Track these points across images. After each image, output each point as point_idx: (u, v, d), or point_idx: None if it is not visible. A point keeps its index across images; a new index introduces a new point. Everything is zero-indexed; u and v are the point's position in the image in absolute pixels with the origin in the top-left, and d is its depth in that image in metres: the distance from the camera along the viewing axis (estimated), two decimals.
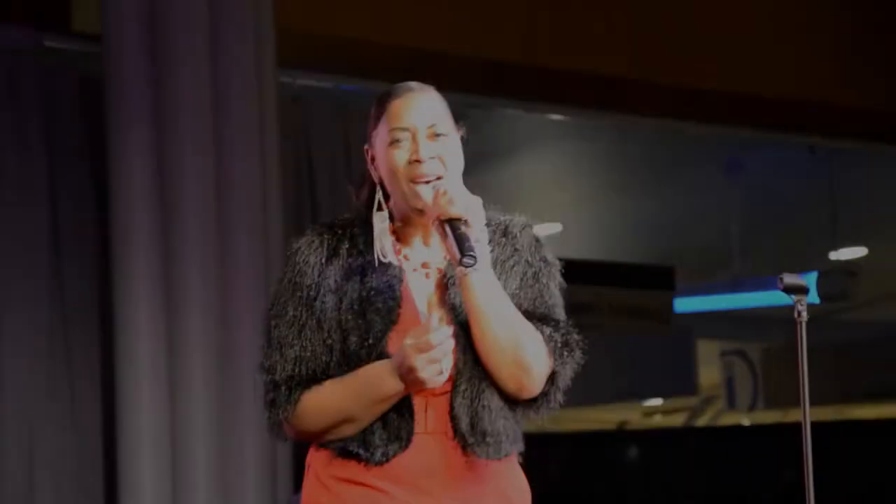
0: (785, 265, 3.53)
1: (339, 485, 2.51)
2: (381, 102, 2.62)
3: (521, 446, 2.69)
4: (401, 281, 2.55)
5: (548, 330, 2.61)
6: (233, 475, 5.46)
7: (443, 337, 2.43)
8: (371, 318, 2.50)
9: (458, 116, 7.97)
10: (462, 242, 2.47)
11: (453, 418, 2.53)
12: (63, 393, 5.68)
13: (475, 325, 2.52)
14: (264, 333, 2.56)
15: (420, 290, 2.59)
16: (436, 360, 2.43)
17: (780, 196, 9.59)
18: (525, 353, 2.55)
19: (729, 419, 14.19)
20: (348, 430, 2.51)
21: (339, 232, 2.60)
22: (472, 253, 2.46)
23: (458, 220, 2.49)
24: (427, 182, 2.56)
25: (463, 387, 2.53)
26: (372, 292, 2.52)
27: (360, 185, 2.71)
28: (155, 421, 5.41)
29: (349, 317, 2.52)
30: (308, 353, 2.52)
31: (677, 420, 15.52)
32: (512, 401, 2.60)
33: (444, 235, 2.52)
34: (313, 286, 2.53)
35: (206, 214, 5.52)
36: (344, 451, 2.51)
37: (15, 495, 5.50)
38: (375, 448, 2.49)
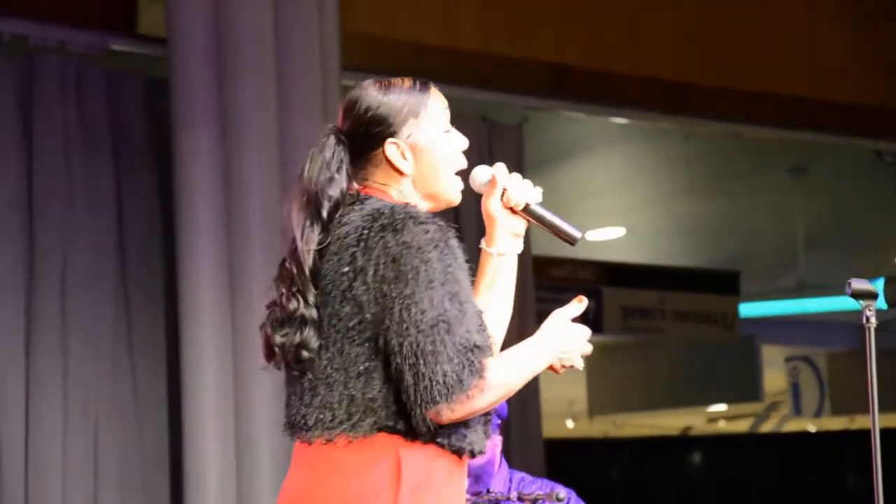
0: (851, 270, 3.48)
1: (451, 479, 2.52)
2: (414, 96, 2.62)
3: None
4: None
5: None
6: None
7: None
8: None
9: (520, 119, 7.86)
10: (564, 224, 2.62)
11: None
12: (127, 387, 5.73)
13: (507, 304, 2.66)
14: (450, 303, 2.41)
15: None
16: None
17: (846, 200, 9.50)
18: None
19: (794, 426, 14.07)
20: (498, 403, 2.50)
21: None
22: (579, 232, 2.61)
23: (535, 203, 2.63)
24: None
25: None
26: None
27: (333, 171, 2.61)
28: (220, 414, 5.45)
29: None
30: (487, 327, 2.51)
31: (741, 426, 15.41)
32: None
33: (521, 217, 2.64)
34: (463, 267, 2.51)
35: (269, 216, 5.55)
36: (454, 446, 2.49)
37: (80, 486, 5.55)
38: (479, 439, 2.53)
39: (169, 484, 5.74)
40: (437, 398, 2.39)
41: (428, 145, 2.60)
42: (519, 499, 3.85)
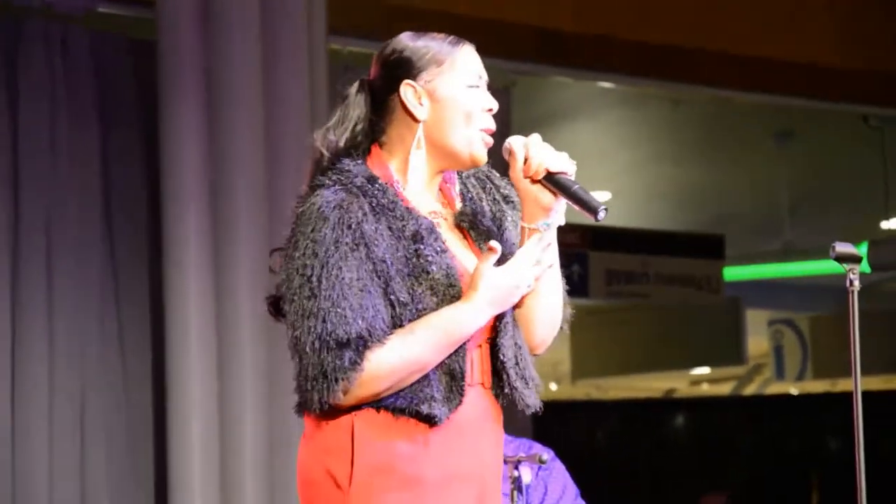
0: (836, 234, 3.50)
1: (404, 445, 2.42)
2: (444, 45, 2.57)
3: None
4: (438, 231, 2.51)
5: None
6: (280, 447, 5.49)
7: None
8: (434, 274, 2.44)
9: (507, 84, 7.86)
10: (588, 196, 2.49)
11: (502, 368, 2.52)
12: (114, 368, 5.71)
13: (543, 281, 2.56)
14: (306, 298, 2.37)
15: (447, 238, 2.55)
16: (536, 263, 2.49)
17: (832, 165, 9.52)
18: (559, 316, 2.63)
19: (777, 389, 14.15)
20: (415, 378, 2.41)
21: (353, 185, 2.47)
22: (605, 207, 2.47)
23: (562, 173, 2.51)
24: (488, 133, 2.57)
25: (509, 333, 2.54)
26: (422, 247, 2.45)
27: (344, 125, 2.58)
28: (204, 392, 5.45)
29: (406, 273, 2.43)
30: (374, 314, 2.38)
31: (724, 389, 15.49)
32: None
33: (545, 187, 2.52)
34: (368, 244, 2.40)
35: (256, 180, 5.54)
36: (404, 410, 2.41)
37: (66, 468, 5.55)
38: (440, 404, 2.42)
39: (153, 461, 5.74)
40: (311, 392, 2.38)
41: (446, 93, 2.53)
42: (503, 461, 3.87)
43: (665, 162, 9.38)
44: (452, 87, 2.54)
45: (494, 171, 2.70)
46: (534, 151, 2.51)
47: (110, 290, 5.74)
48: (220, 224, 5.53)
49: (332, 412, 2.42)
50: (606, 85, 7.49)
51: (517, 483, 3.77)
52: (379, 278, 2.41)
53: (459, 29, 7.10)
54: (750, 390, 15.18)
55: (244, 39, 5.55)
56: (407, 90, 2.54)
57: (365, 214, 2.43)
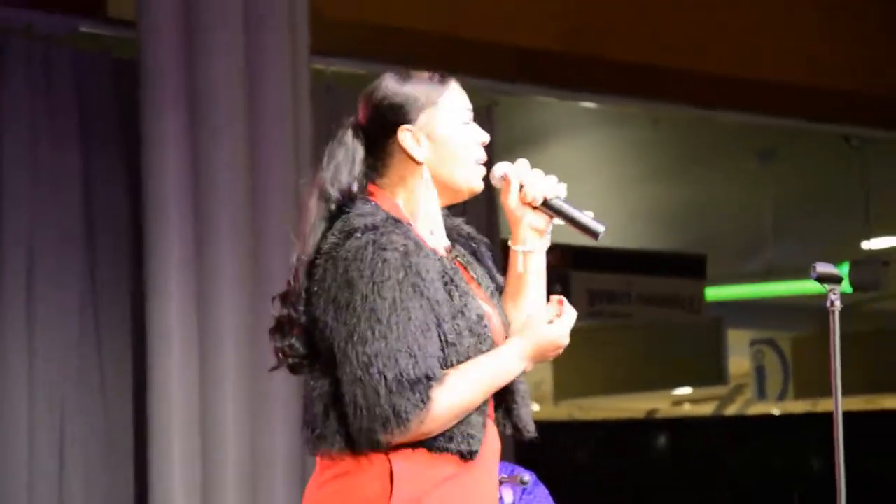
0: (817, 255, 3.51)
1: (443, 483, 2.48)
2: (433, 85, 2.62)
3: None
4: (456, 269, 2.58)
5: None
6: (263, 461, 5.48)
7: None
8: (469, 314, 2.51)
9: (489, 104, 7.87)
10: (586, 219, 2.62)
11: (511, 398, 2.61)
12: (93, 379, 5.70)
13: (524, 301, 2.66)
14: (372, 337, 2.41)
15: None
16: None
17: (814, 185, 9.54)
18: None
19: (758, 409, 14.15)
20: (463, 416, 2.49)
21: (392, 226, 2.52)
22: (603, 227, 2.61)
23: (555, 197, 2.62)
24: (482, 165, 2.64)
25: None
26: (454, 288, 2.52)
27: (348, 168, 2.62)
28: (185, 406, 5.44)
29: (452, 313, 2.50)
30: (437, 353, 2.44)
31: (706, 409, 15.48)
32: None
33: (541, 212, 2.63)
34: (425, 286, 2.46)
35: (238, 200, 5.54)
36: (447, 449, 2.47)
37: (46, 478, 5.53)
38: (476, 441, 2.50)
39: (133, 475, 5.72)
40: (377, 432, 2.41)
41: (444, 132, 2.60)
42: None
43: (646, 181, 9.39)
44: (449, 126, 2.61)
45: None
46: (529, 178, 2.62)
47: (90, 310, 5.73)
48: (203, 242, 5.53)
49: (366, 453, 2.46)
50: (588, 105, 7.50)
51: None
52: (435, 319, 2.47)
53: (441, 49, 7.14)
54: (732, 410, 15.18)
55: (227, 59, 5.56)
56: (405, 135, 2.59)
57: (420, 256, 2.48)
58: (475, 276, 2.66)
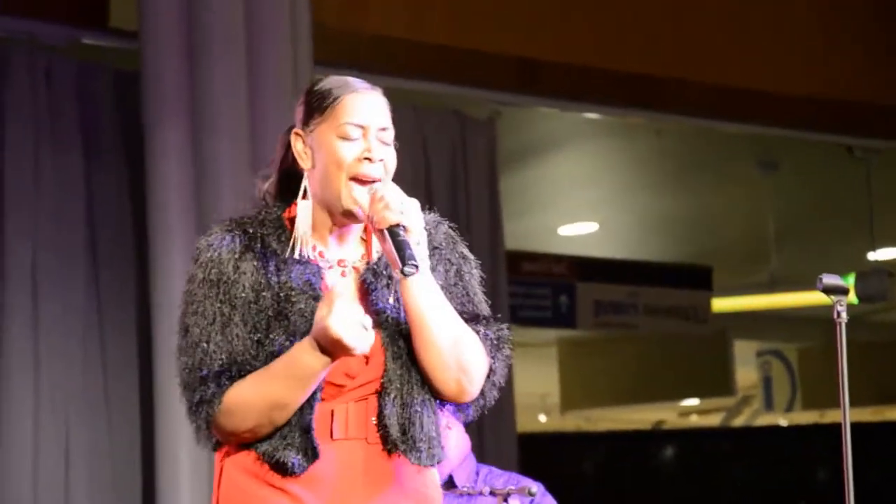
0: (822, 265, 3.49)
1: (262, 488, 2.46)
2: (330, 93, 2.53)
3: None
4: (321, 279, 2.49)
5: (481, 328, 2.56)
6: None
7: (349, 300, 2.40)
8: (294, 318, 2.44)
9: (492, 114, 7.84)
10: (403, 250, 2.42)
11: (383, 425, 2.49)
12: (98, 384, 5.70)
13: (418, 331, 2.48)
14: (181, 336, 2.47)
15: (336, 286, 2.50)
16: (356, 323, 2.36)
17: (818, 196, 9.53)
18: (467, 357, 2.51)
19: (766, 420, 14.13)
20: (279, 418, 2.42)
21: (249, 227, 2.54)
22: (413, 262, 2.40)
23: (397, 225, 2.43)
24: (365, 183, 2.49)
25: (393, 393, 2.49)
26: (292, 291, 2.46)
27: (267, 176, 2.65)
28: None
29: (270, 315, 2.46)
30: (236, 348, 2.43)
31: (713, 420, 15.47)
32: (444, 404, 2.58)
33: (382, 241, 2.46)
34: (230, 282, 2.46)
35: (241, 209, 5.52)
36: (267, 456, 2.45)
37: (51, 490, 5.52)
38: (297, 455, 2.44)
39: (140, 485, 5.71)
40: (192, 426, 2.47)
41: (321, 145, 2.51)
42: (491, 493, 3.84)
43: (650, 192, 9.38)
44: (324, 138, 2.51)
45: (428, 218, 2.61)
46: (373, 206, 2.46)
47: (94, 321, 5.72)
48: None
49: (217, 451, 2.53)
50: (591, 115, 7.49)
51: None
52: (239, 317, 2.45)
53: (442, 59, 7.10)
54: (739, 421, 15.16)
55: (229, 69, 5.55)
56: (296, 139, 2.55)
57: (232, 253, 2.49)
58: (375, 299, 2.51)
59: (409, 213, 2.45)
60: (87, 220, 5.75)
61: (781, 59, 7.39)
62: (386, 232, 2.44)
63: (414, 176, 6.48)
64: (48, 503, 5.50)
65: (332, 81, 2.56)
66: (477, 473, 4.13)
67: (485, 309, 2.61)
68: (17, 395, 5.48)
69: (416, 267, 2.41)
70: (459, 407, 2.60)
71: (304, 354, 2.40)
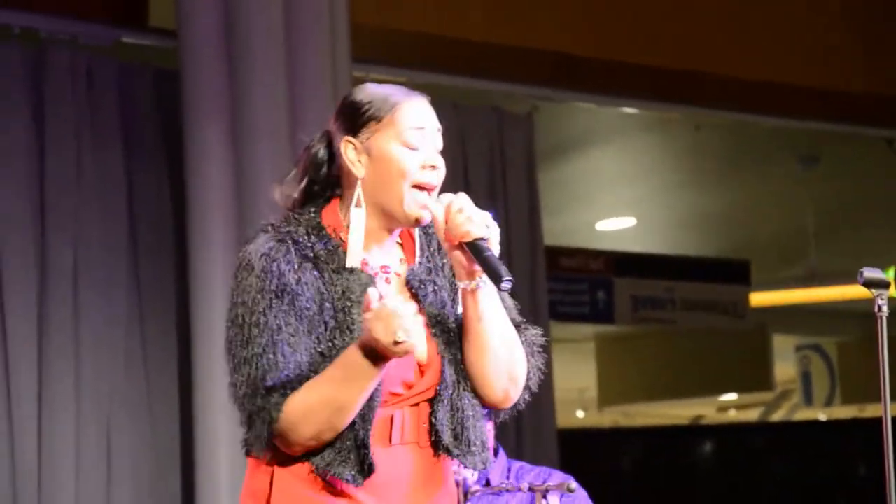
0: (861, 259, 3.49)
1: (322, 494, 2.46)
2: (387, 100, 2.52)
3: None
4: (374, 286, 2.45)
5: (520, 336, 2.59)
6: None
7: (397, 303, 2.36)
8: (356, 328, 2.43)
9: (530, 110, 7.81)
10: (496, 265, 2.42)
11: (436, 430, 2.51)
12: (139, 384, 5.73)
13: (476, 338, 2.50)
14: (240, 345, 2.43)
15: (386, 295, 2.48)
16: (400, 327, 2.33)
17: (857, 190, 9.49)
18: (519, 367, 2.56)
19: (805, 414, 14.07)
20: (340, 422, 2.41)
21: (296, 236, 2.50)
22: (509, 277, 2.41)
23: (481, 239, 2.44)
24: (428, 191, 2.50)
25: (446, 399, 2.51)
26: (350, 302, 2.46)
27: (291, 181, 2.62)
28: (231, 410, 5.44)
29: (333, 325, 2.45)
30: (303, 359, 2.42)
31: (752, 415, 15.42)
32: (486, 409, 2.60)
33: (461, 252, 2.46)
34: (294, 294, 2.43)
35: (280, 208, 5.54)
36: (320, 471, 2.44)
37: (93, 486, 5.56)
38: (351, 468, 2.44)
39: (180, 480, 5.75)
40: (248, 436, 2.46)
41: (381, 152, 2.50)
42: (529, 489, 3.86)
43: (688, 187, 9.36)
44: (387, 146, 2.50)
45: None
46: (453, 218, 2.46)
47: (135, 320, 5.76)
48: None
49: (264, 459, 2.49)
50: (629, 110, 7.48)
51: None
52: (304, 328, 2.43)
53: (480, 55, 7.07)
54: (778, 416, 15.11)
55: (268, 68, 5.57)
56: (347, 147, 2.53)
57: (290, 263, 2.45)
58: (423, 301, 2.53)
59: (491, 226, 2.45)
60: (128, 219, 5.79)
61: (821, 53, 7.36)
62: (474, 245, 2.43)
63: (453, 172, 6.43)
64: (90, 496, 5.54)
65: (382, 89, 2.55)
66: (509, 470, 4.15)
67: (517, 314, 2.63)
68: (59, 388, 5.52)
69: (511, 281, 2.41)
70: (496, 412, 2.63)
71: (360, 358, 2.38)
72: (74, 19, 5.76)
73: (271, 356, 2.41)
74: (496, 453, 4.12)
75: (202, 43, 5.56)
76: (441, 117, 2.61)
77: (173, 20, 5.69)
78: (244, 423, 2.46)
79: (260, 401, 2.41)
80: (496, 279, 2.42)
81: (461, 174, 6.61)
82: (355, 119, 2.52)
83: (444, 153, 2.59)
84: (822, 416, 13.84)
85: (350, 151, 2.52)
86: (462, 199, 2.47)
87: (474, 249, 2.44)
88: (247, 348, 2.42)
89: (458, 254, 2.48)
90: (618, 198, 9.32)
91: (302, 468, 2.47)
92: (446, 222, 2.46)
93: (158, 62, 5.99)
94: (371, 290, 2.37)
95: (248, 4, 5.58)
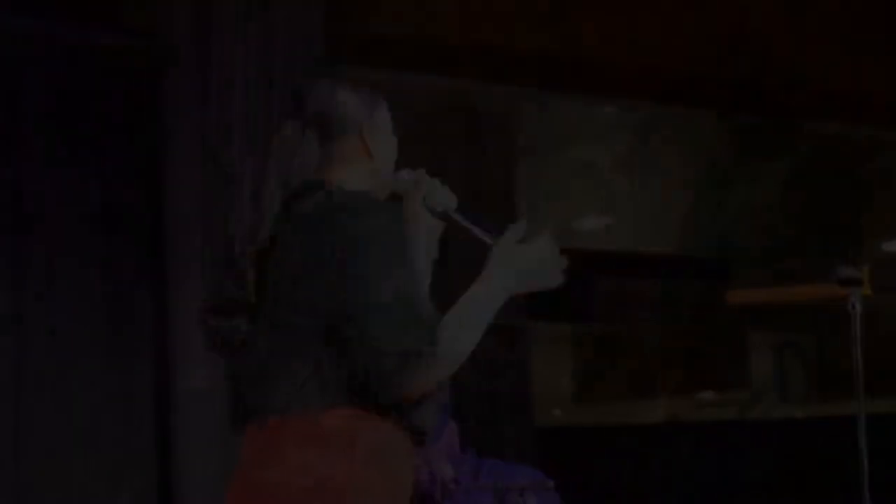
0: (838, 257, 3.51)
1: (409, 443, 2.59)
2: (376, 96, 2.83)
3: None
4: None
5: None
6: None
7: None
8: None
9: (512, 107, 7.78)
10: (481, 220, 2.70)
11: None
12: (116, 385, 5.73)
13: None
14: (406, 285, 2.50)
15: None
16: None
17: (834, 187, 9.52)
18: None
19: (782, 412, 14.11)
20: (458, 364, 2.54)
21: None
22: (495, 225, 2.66)
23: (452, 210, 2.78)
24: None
25: None
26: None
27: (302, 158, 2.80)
28: (209, 410, 5.46)
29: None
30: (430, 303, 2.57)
31: (729, 413, 15.44)
32: None
33: (442, 220, 2.77)
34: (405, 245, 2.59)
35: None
36: (406, 426, 2.57)
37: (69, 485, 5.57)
38: (431, 420, 2.60)
39: (156, 483, 5.75)
40: (393, 375, 2.43)
41: (382, 140, 2.82)
42: (506, 488, 3.87)
43: (669, 185, 9.39)
44: (384, 133, 2.81)
45: None
46: (431, 188, 2.82)
47: (112, 312, 5.76)
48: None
49: (338, 419, 2.49)
50: (609, 110, 7.50)
51: None
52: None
53: (455, 56, 7.04)
54: (755, 414, 15.14)
55: (244, 61, 5.57)
56: (367, 131, 2.77)
57: (399, 223, 2.64)
58: None
59: (420, 181, 2.83)
60: (102, 220, 5.78)
61: (795, 51, 7.40)
62: (451, 214, 2.75)
63: (430, 173, 6.48)
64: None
65: (372, 87, 2.83)
66: (480, 467, 4.14)
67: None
68: (35, 393, 5.51)
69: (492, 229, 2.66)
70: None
71: (496, 289, 2.58)
72: (50, 20, 5.74)
73: (416, 299, 2.50)
74: (464, 452, 4.12)
75: (179, 43, 5.56)
76: (418, 118, 2.75)
77: (151, 22, 5.69)
78: (388, 369, 2.43)
79: (417, 340, 2.45)
80: (485, 232, 2.68)
81: (439, 175, 6.61)
82: (362, 111, 2.79)
83: (420, 156, 2.82)
84: (799, 414, 13.88)
85: (369, 135, 2.77)
86: (424, 174, 2.83)
87: (462, 213, 2.76)
88: (410, 286, 2.51)
89: (429, 219, 2.80)
90: (597, 196, 9.34)
91: (385, 423, 2.53)
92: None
93: (136, 62, 5.97)
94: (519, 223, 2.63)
95: (225, 6, 5.58)
